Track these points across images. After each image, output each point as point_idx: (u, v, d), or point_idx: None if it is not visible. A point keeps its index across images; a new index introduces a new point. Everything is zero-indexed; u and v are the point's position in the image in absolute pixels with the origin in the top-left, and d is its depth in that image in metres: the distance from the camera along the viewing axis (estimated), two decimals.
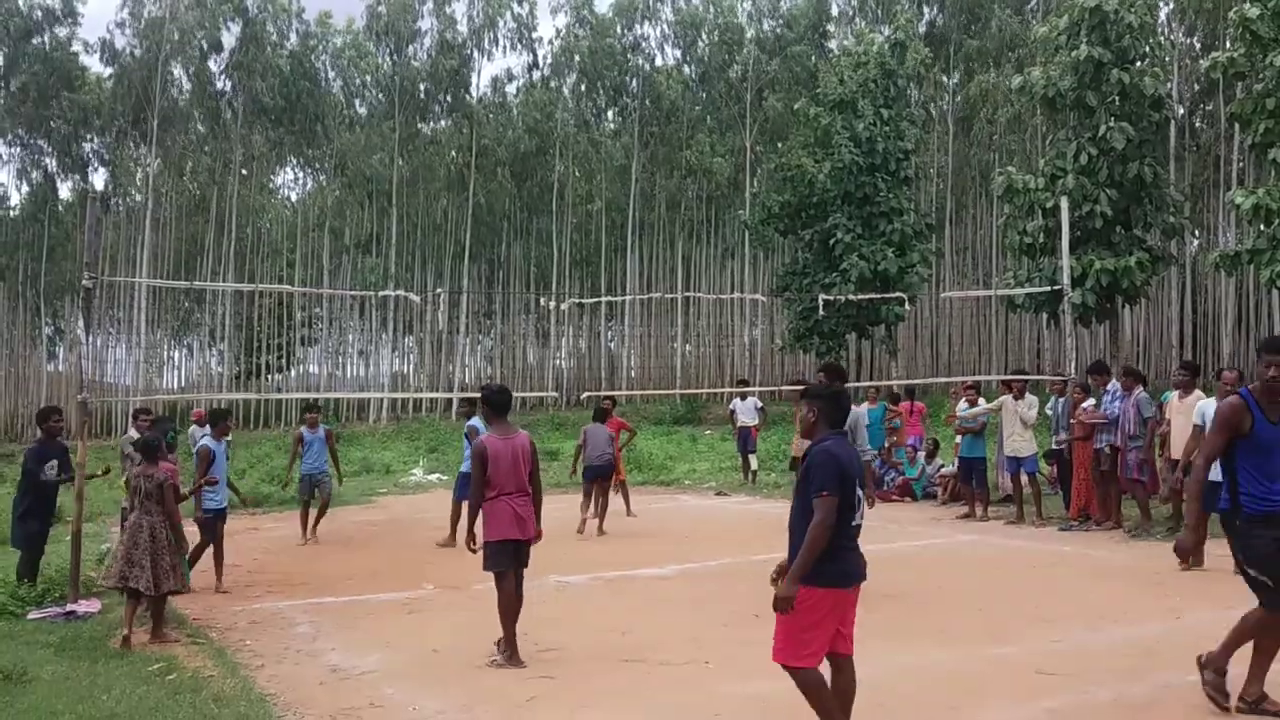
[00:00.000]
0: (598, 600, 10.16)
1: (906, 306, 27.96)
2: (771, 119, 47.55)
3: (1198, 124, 42.38)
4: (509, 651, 7.49)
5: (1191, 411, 12.47)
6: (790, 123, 43.97)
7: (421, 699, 6.74)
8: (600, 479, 14.88)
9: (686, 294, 44.63)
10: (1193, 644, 7.38)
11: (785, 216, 36.39)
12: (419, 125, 51.63)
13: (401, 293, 20.73)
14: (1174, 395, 12.91)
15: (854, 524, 5.14)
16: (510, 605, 7.60)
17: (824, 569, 4.99)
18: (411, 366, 54.12)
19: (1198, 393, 12.71)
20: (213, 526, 11.00)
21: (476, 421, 13.02)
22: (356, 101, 51.60)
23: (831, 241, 34.28)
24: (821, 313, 26.51)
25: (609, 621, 8.91)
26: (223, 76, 48.49)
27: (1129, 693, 6.33)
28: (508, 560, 7.64)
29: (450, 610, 9.69)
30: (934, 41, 44.68)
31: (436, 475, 24.45)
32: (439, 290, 29.87)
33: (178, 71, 48.53)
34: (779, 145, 42.45)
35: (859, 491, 5.13)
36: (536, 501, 7.76)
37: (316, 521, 14.29)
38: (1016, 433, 14.62)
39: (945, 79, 46.19)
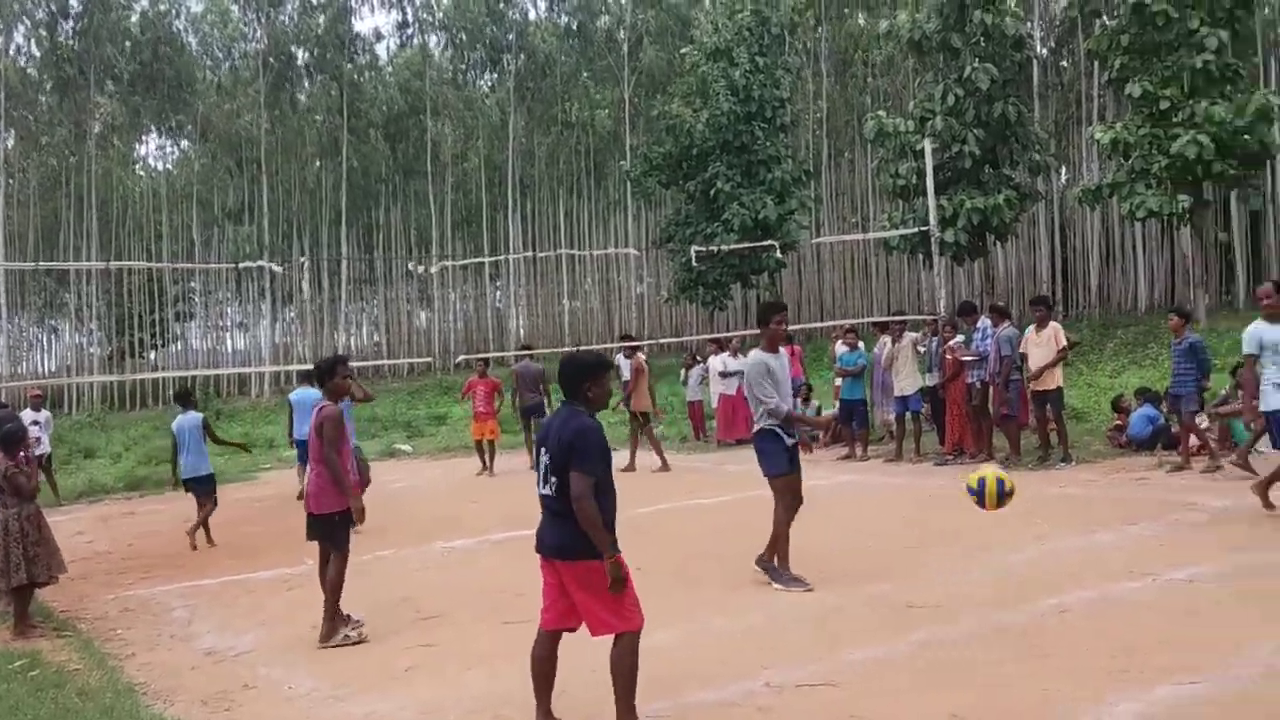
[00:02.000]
0: (485, 563, 10.08)
1: (778, 254, 28.20)
2: (649, 70, 47.34)
3: (1061, 62, 43.38)
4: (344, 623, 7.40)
5: (1049, 343, 12.91)
6: (669, 73, 43.86)
7: (297, 677, 6.61)
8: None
9: (569, 251, 44.36)
10: (1059, 570, 7.70)
11: (666, 167, 36.36)
12: (288, 88, 50.10)
13: (263, 263, 20.00)
14: (1031, 329, 13.33)
15: (541, 493, 5.15)
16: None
17: None
18: (295, 338, 52.94)
19: (1053, 324, 13.15)
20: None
21: (303, 394, 13.85)
22: (222, 65, 49.83)
23: (712, 191, 34.38)
24: (695, 264, 26.62)
25: (496, 583, 8.83)
26: (72, 42, 46.28)
27: (995, 620, 6.52)
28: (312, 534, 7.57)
29: None
30: None
31: None
32: (303, 259, 29.13)
33: (20, 39, 46.24)
34: (658, 96, 42.32)
35: (545, 458, 5.09)
36: (334, 476, 7.38)
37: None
38: (905, 372, 14.94)
39: (819, 25, 46.44)
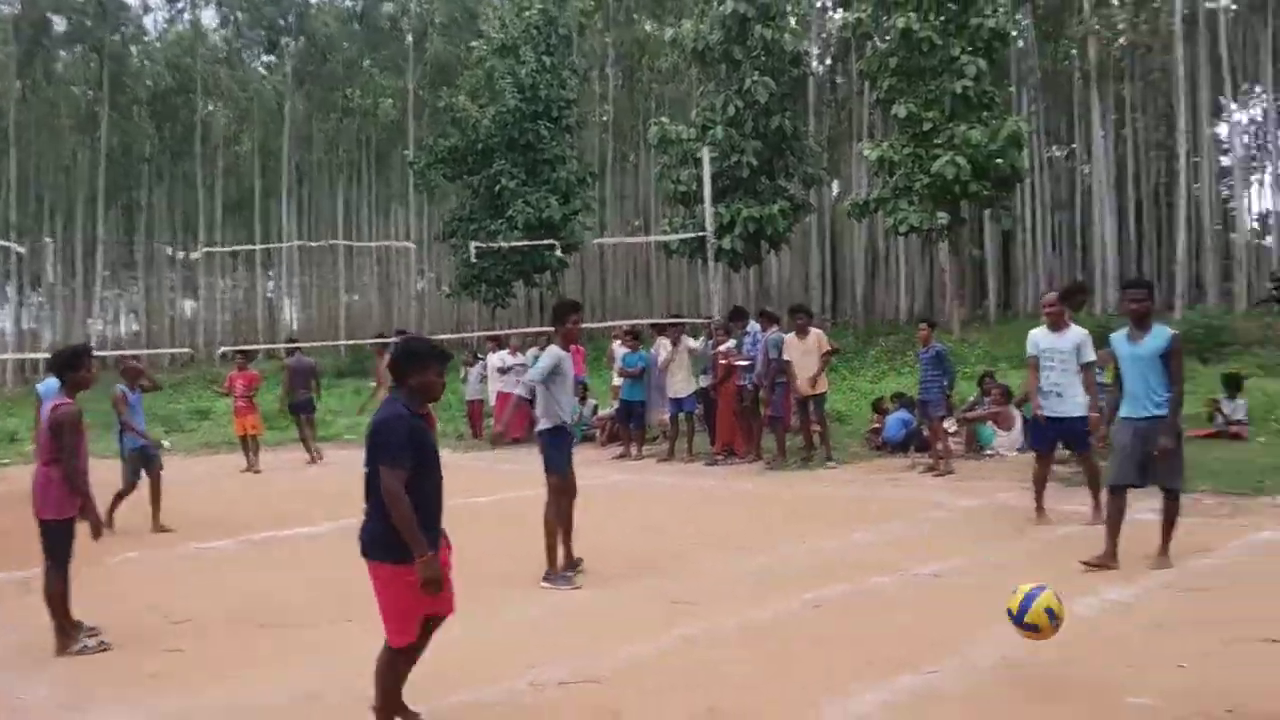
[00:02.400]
0: (243, 564, 9.61)
1: (558, 252, 28.31)
2: (436, 61, 46.61)
3: (836, 80, 45.33)
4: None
5: (810, 350, 13.41)
6: (456, 66, 43.31)
7: (31, 686, 6.11)
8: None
9: (345, 242, 43.15)
10: (816, 567, 7.97)
11: (451, 161, 35.94)
12: (42, 56, 46.67)
13: (4, 243, 18.52)
14: (791, 336, 13.76)
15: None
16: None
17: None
18: (43, 324, 49.37)
19: (815, 331, 13.66)
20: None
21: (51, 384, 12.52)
22: None
23: (497, 188, 34.18)
24: (474, 259, 26.44)
25: (252, 586, 8.44)
26: None
27: (754, 616, 6.68)
28: None
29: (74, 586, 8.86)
30: None
31: None
32: (48, 239, 27.15)
33: None
34: (444, 89, 41.74)
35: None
36: (69, 475, 6.78)
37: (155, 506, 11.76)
38: (680, 375, 15.17)
39: (606, 29, 46.87)
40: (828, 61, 45.56)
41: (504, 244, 28.10)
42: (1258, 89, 41.96)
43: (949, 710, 4.93)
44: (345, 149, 50.19)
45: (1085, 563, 7.51)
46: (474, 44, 37.04)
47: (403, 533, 4.60)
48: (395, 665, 4.86)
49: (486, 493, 12.84)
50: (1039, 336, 9.28)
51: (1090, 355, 9.01)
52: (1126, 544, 8.00)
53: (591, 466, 15.07)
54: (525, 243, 29.23)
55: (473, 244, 20.63)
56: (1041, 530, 8.98)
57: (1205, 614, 6.22)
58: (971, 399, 14.84)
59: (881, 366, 24.72)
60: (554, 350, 8.07)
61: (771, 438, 14.23)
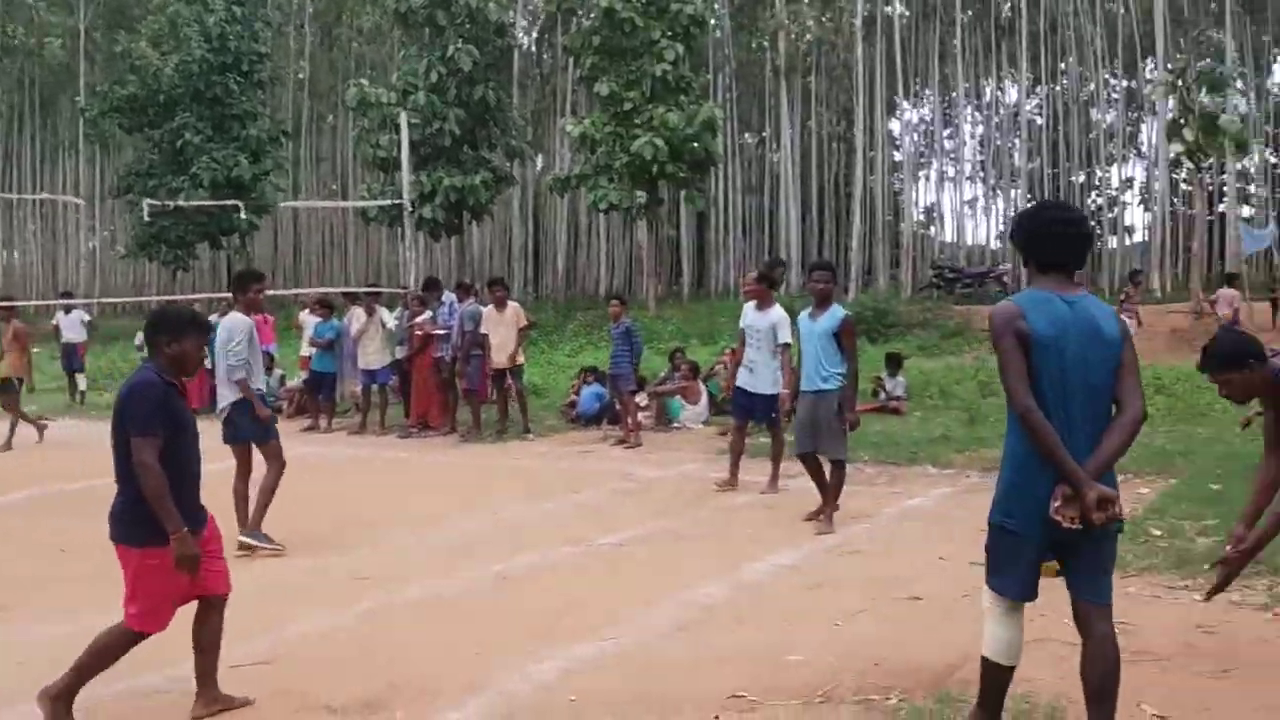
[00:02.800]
0: None
1: (243, 214, 26.92)
2: (111, 2, 43.00)
3: (542, 54, 45.45)
4: None
5: (508, 323, 13.37)
6: (134, 8, 40.17)
7: None
8: None
9: (4, 195, 39.21)
10: (505, 539, 7.99)
11: (129, 111, 33.34)
12: None
13: None
14: (490, 309, 13.74)
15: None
16: None
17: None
18: None
19: (513, 304, 13.67)
20: None
21: None
22: None
23: (180, 142, 32.03)
24: (147, 218, 24.73)
25: None
26: None
27: (440, 588, 6.62)
28: None
29: None
30: None
31: None
32: None
33: None
34: (121, 33, 38.56)
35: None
36: None
37: None
38: (374, 346, 14.75)
39: None
40: (534, 34, 45.64)
41: (184, 203, 26.34)
42: (927, 91, 45.65)
43: (622, 673, 5.06)
44: (6, 91, 45.50)
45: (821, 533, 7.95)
46: None
47: (154, 507, 4.30)
48: (122, 649, 4.51)
49: None
50: (747, 311, 9.69)
51: (785, 336, 9.41)
52: (794, 510, 8.52)
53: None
54: (208, 203, 27.57)
55: (146, 202, 19.12)
56: (721, 499, 9.39)
57: (860, 575, 6.70)
58: (662, 374, 15.32)
59: (580, 340, 25.11)
60: (240, 321, 7.69)
61: (467, 410, 14.14)
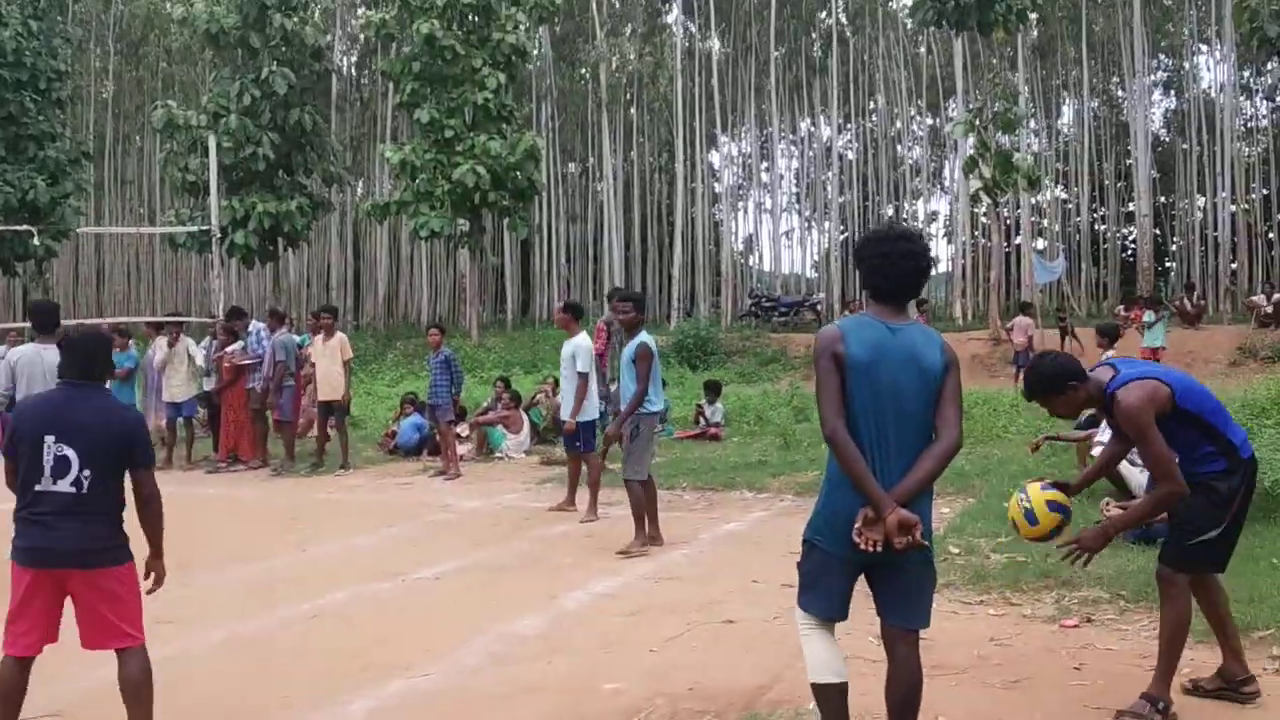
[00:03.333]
0: None
1: (35, 240, 25.44)
2: None
3: (362, 79, 44.73)
4: None
5: (334, 353, 13.06)
6: None
7: None
8: None
9: None
10: (315, 575, 7.74)
11: None
12: None
13: None
14: (317, 339, 13.42)
15: (38, 489, 4.22)
16: None
17: (15, 542, 4.26)
18: None
19: (340, 335, 13.36)
20: None
21: None
22: None
23: None
24: None
25: None
26: None
27: (244, 629, 6.36)
28: None
29: None
30: None
31: None
32: None
33: None
34: None
35: (57, 449, 4.20)
36: None
37: None
38: (179, 377, 14.12)
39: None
40: (354, 58, 44.89)
41: None
42: (745, 125, 46.97)
43: (436, 712, 4.97)
44: None
45: (620, 552, 8.11)
46: None
47: (157, 534, 4.48)
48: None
49: None
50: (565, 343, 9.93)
51: (583, 365, 9.56)
52: (614, 538, 8.57)
53: None
54: (1, 228, 25.98)
55: None
56: (540, 529, 9.34)
57: (675, 601, 6.76)
58: (485, 403, 15.20)
59: (400, 370, 24.68)
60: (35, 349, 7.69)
61: (279, 443, 13.69)
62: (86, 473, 4.23)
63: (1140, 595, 6.28)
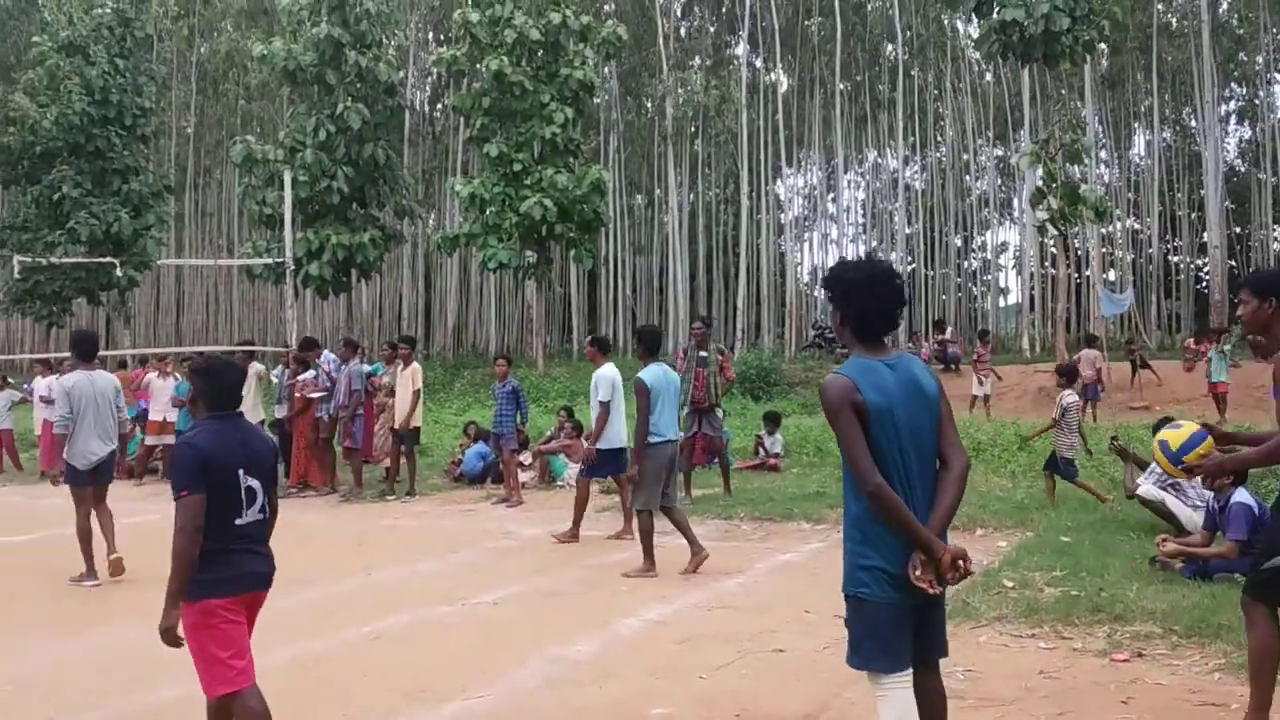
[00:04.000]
0: None
1: (119, 271, 26.30)
2: None
3: (434, 113, 45.61)
4: None
5: (410, 382, 13.36)
6: (11, 59, 39.26)
7: None
8: None
9: None
10: (378, 599, 7.98)
11: (5, 163, 32.38)
12: None
13: None
14: (397, 366, 13.73)
15: (239, 522, 4.35)
16: None
17: (213, 576, 4.29)
18: None
19: (415, 365, 13.67)
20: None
21: None
22: None
23: (57, 196, 31.22)
24: (18, 275, 23.99)
25: None
26: None
27: (308, 650, 6.59)
28: None
29: None
30: None
31: None
32: None
33: None
34: (0, 84, 37.55)
35: (247, 481, 4.36)
36: None
37: None
38: (246, 404, 14.53)
39: (193, 36, 44.31)
40: (426, 93, 45.81)
41: (56, 260, 25.62)
42: (811, 156, 47.05)
43: None
44: None
45: (625, 574, 8.53)
46: (35, 39, 33.66)
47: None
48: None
49: (22, 531, 11.70)
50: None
51: (602, 394, 10.07)
52: (669, 566, 8.71)
53: (153, 500, 14.17)
54: (82, 259, 26.88)
55: (17, 259, 18.57)
56: (598, 556, 9.51)
57: (727, 629, 6.87)
58: (549, 432, 15.43)
59: (467, 399, 25.03)
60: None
61: (348, 469, 14.03)
62: (267, 499, 4.49)
63: (1193, 630, 6.28)
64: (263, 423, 14.74)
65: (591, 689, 5.74)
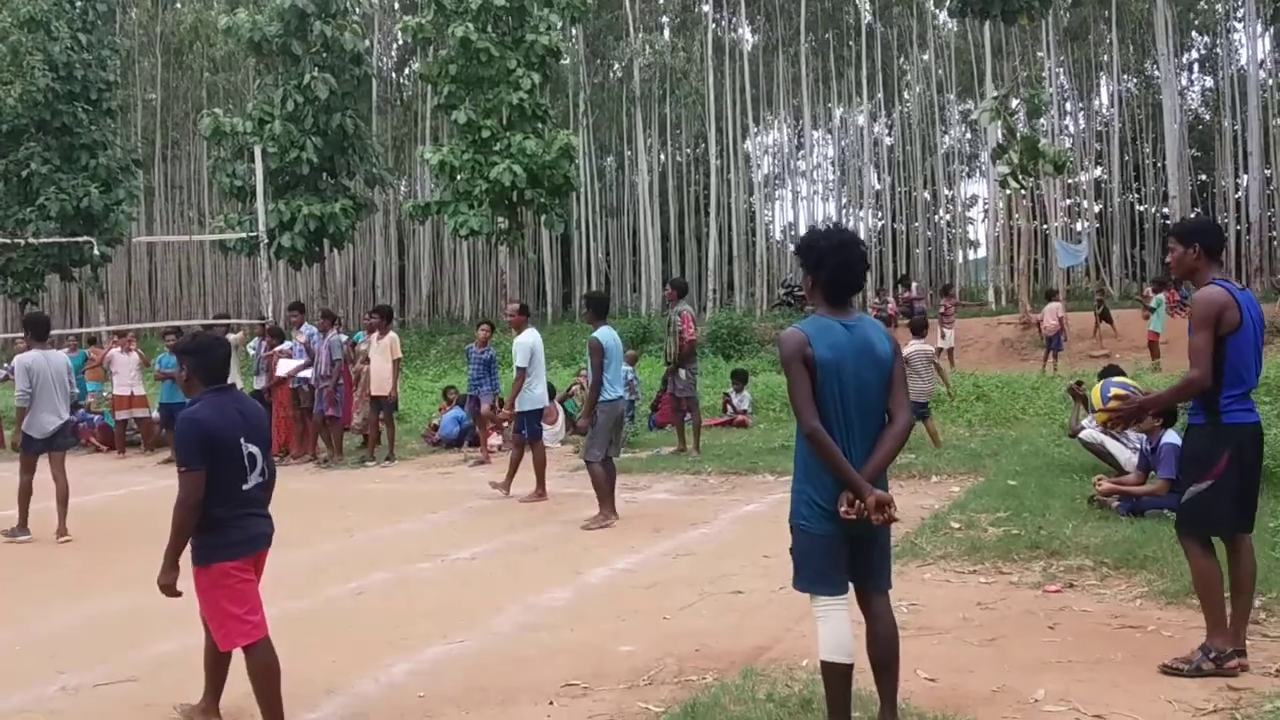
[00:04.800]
0: None
1: (96, 251, 26.46)
2: None
3: (403, 80, 45.52)
4: None
5: (385, 352, 13.71)
6: None
7: None
8: None
9: None
10: (362, 558, 8.38)
11: None
12: None
13: None
14: (372, 337, 14.08)
15: (245, 488, 4.67)
16: None
17: (225, 540, 4.64)
18: None
19: (392, 334, 14.02)
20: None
21: None
22: None
23: (26, 173, 31.20)
24: None
25: None
26: None
27: (294, 606, 6.97)
28: None
29: None
30: None
31: None
32: None
33: None
34: None
35: (248, 449, 4.69)
36: None
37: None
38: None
39: (156, 7, 44.02)
40: (392, 59, 45.70)
41: (35, 240, 25.78)
42: (781, 114, 47.28)
43: (467, 671, 5.55)
44: None
45: (584, 526, 9.11)
46: None
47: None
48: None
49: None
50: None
51: (521, 360, 10.65)
52: (637, 520, 9.14)
53: (137, 473, 14.51)
54: (60, 239, 27.02)
55: None
56: (570, 513, 9.93)
57: (690, 575, 7.32)
58: None
59: (443, 365, 25.37)
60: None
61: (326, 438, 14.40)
62: (266, 463, 4.82)
63: (1122, 563, 6.75)
64: (250, 394, 15.09)
65: (563, 631, 6.16)
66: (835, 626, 4.10)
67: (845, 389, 4.05)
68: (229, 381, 4.90)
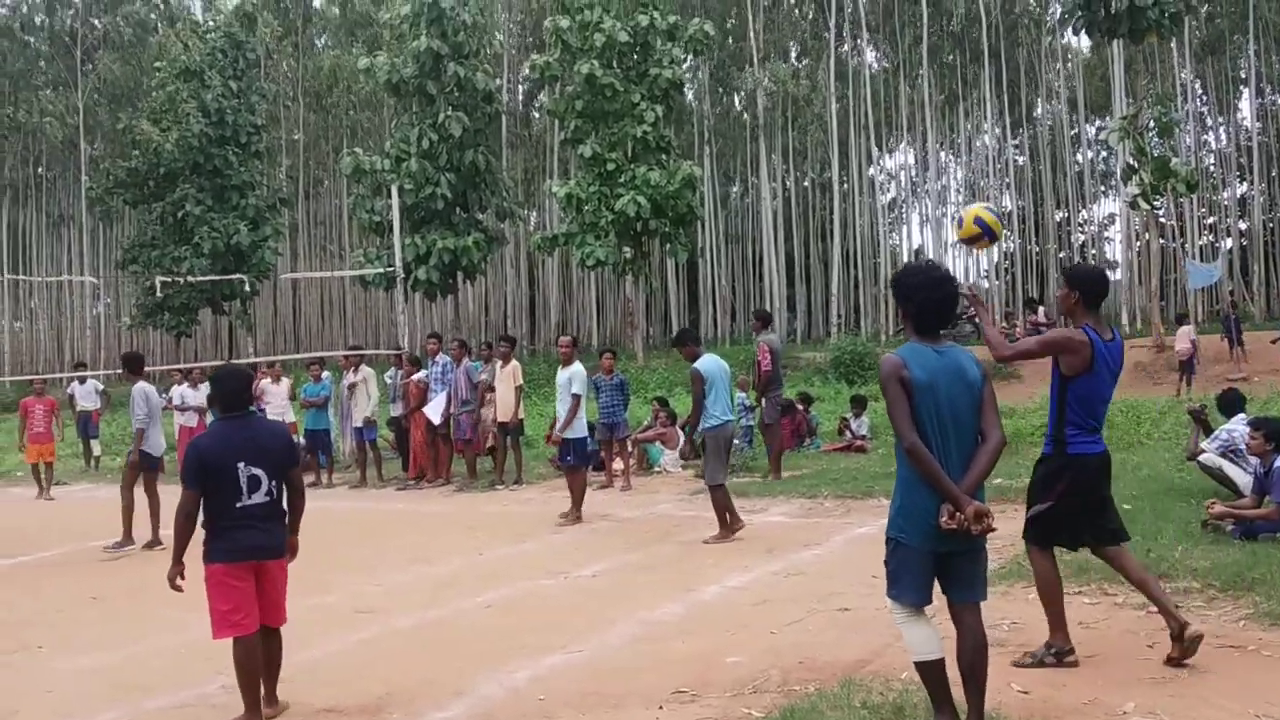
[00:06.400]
0: None
1: (248, 288, 28.03)
2: (109, 80, 44.32)
3: (532, 116, 46.77)
4: None
5: (509, 379, 14.31)
6: (132, 86, 41.58)
7: None
8: None
9: (11, 275, 40.17)
10: (489, 574, 8.88)
11: (132, 185, 34.55)
12: None
13: None
14: (497, 364, 14.68)
15: (239, 505, 5.29)
16: None
17: (217, 547, 5.34)
18: None
19: (515, 362, 14.61)
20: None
21: None
22: None
23: (181, 213, 33.21)
24: (159, 294, 25.81)
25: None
26: None
27: (428, 616, 7.51)
28: None
29: None
30: (284, 14, 44.53)
31: None
32: None
33: None
34: (126, 109, 39.87)
35: (248, 471, 5.30)
36: None
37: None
38: (362, 404, 15.71)
39: (297, 54, 46.24)
40: (520, 97, 47.00)
41: (190, 277, 27.51)
42: (906, 139, 47.00)
43: (583, 677, 5.95)
44: (11, 169, 46.75)
45: (705, 541, 9.63)
46: (157, 64, 35.75)
47: (298, 524, 5.70)
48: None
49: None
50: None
51: (578, 388, 11.60)
52: (750, 541, 9.45)
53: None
54: (212, 277, 28.75)
55: (158, 278, 20.27)
56: (687, 534, 10.28)
57: (800, 593, 7.59)
58: (645, 421, 16.25)
59: None
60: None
61: (462, 462, 15.05)
62: (275, 484, 5.45)
63: (1230, 585, 6.79)
64: (389, 421, 15.88)
65: (673, 643, 6.52)
66: (919, 629, 4.46)
67: (940, 408, 4.38)
68: (247, 410, 5.55)
